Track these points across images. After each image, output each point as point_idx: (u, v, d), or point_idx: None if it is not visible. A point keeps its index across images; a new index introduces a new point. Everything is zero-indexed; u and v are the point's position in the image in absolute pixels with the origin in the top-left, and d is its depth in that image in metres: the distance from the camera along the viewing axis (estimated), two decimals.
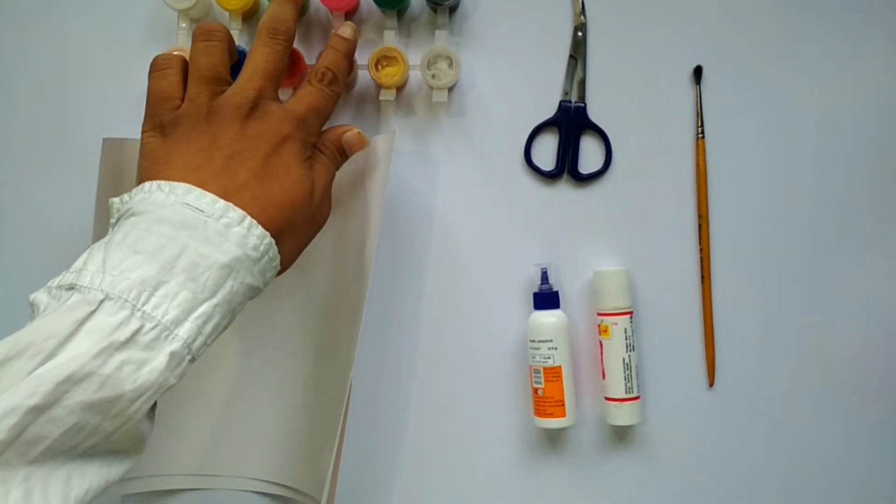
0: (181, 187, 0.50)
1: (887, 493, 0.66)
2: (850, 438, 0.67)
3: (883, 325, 0.66)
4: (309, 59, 0.65)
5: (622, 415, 0.64)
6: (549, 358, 0.63)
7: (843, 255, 0.66)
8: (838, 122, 0.66)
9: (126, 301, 0.44)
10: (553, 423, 0.64)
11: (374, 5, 0.65)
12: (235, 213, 0.49)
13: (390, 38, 0.65)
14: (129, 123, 0.66)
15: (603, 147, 0.67)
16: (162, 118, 0.54)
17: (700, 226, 0.66)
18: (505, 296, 0.67)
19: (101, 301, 0.44)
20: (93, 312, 0.43)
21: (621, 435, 0.67)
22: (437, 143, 0.68)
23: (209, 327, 0.47)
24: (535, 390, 0.65)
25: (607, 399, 0.65)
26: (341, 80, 0.58)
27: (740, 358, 0.67)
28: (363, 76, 0.67)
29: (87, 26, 0.70)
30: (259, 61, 0.55)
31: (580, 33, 0.67)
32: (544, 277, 0.66)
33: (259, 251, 0.50)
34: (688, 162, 0.67)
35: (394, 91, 0.65)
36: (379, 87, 0.65)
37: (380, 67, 0.64)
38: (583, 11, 0.67)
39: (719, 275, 0.66)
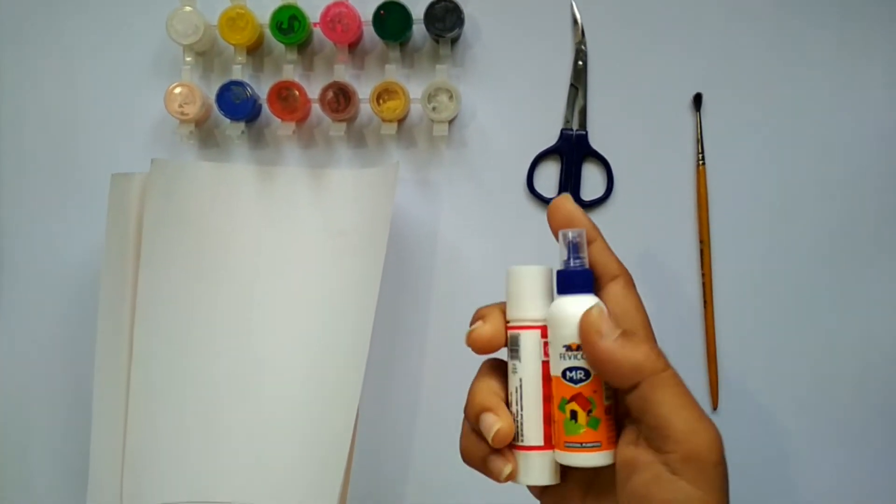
0: None
1: None
2: (854, 461, 0.67)
3: (884, 347, 0.66)
4: (311, 92, 0.66)
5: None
6: (583, 363, 0.42)
7: (845, 279, 0.67)
8: (839, 146, 0.67)
9: None
10: (591, 458, 0.42)
11: (377, 37, 0.66)
12: None
13: (392, 72, 0.66)
14: (137, 158, 0.68)
15: (604, 174, 0.68)
16: None
17: (702, 251, 0.67)
18: None
19: None
20: None
21: None
22: (439, 173, 0.69)
23: None
24: (565, 415, 0.43)
25: None
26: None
27: (743, 381, 0.67)
28: (365, 109, 0.68)
29: (94, 62, 0.71)
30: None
31: (580, 62, 0.68)
32: (574, 249, 0.45)
33: None
34: (689, 188, 0.67)
35: (395, 125, 0.66)
36: (380, 120, 0.66)
37: (381, 102, 0.65)
38: (583, 40, 0.68)
39: (721, 299, 0.67)
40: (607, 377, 0.42)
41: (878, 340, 0.66)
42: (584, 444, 0.42)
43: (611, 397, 0.43)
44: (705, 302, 0.67)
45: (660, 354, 0.41)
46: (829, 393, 0.67)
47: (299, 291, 0.67)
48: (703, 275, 0.67)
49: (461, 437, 0.46)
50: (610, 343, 0.41)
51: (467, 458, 0.45)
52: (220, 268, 0.67)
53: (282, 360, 0.67)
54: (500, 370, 0.46)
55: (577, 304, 0.43)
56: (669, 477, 0.40)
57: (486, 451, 0.44)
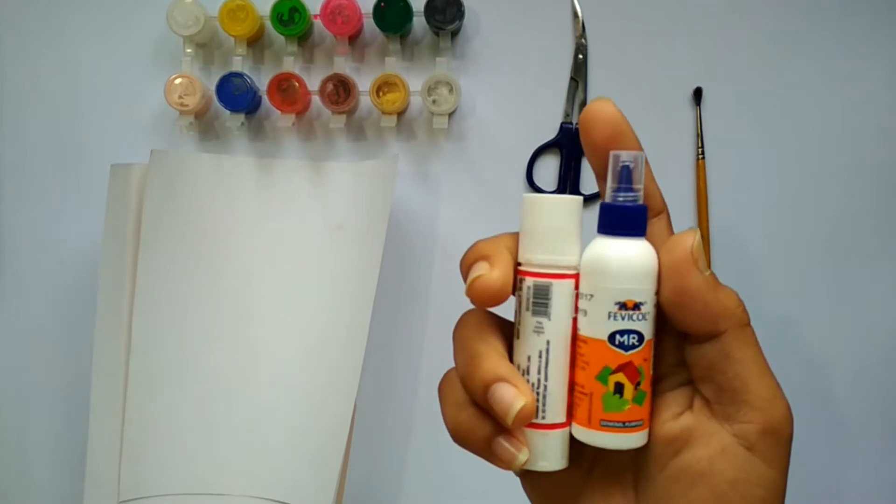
0: None
1: None
2: (851, 456, 0.67)
3: (883, 344, 0.66)
4: (311, 84, 0.66)
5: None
6: (639, 325, 0.34)
7: (845, 274, 0.67)
8: (839, 141, 0.66)
9: None
10: (632, 440, 0.35)
11: (377, 30, 0.66)
12: None
13: (392, 65, 0.66)
14: (137, 149, 0.68)
15: None
16: None
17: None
18: (508, 315, 0.68)
19: None
20: None
21: None
22: (438, 166, 0.69)
23: None
24: (607, 388, 0.34)
25: None
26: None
27: None
28: (364, 102, 0.67)
29: (95, 53, 0.71)
30: None
31: (581, 55, 0.68)
32: (627, 177, 0.35)
33: None
34: (688, 183, 0.67)
35: (395, 117, 0.66)
36: (380, 113, 0.66)
37: (381, 94, 0.65)
38: (583, 34, 0.67)
39: None
40: (688, 319, 0.34)
41: (878, 336, 0.66)
42: (626, 424, 0.34)
43: (654, 365, 0.35)
44: None
45: (745, 306, 0.34)
46: (827, 389, 0.67)
47: (298, 283, 0.67)
48: None
49: (450, 411, 0.36)
50: (706, 277, 0.33)
51: (464, 438, 0.35)
52: (219, 259, 0.67)
53: (280, 351, 0.67)
54: (497, 325, 0.36)
55: (633, 250, 0.34)
56: (741, 451, 0.33)
57: (491, 432, 0.34)
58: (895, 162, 0.66)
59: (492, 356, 0.34)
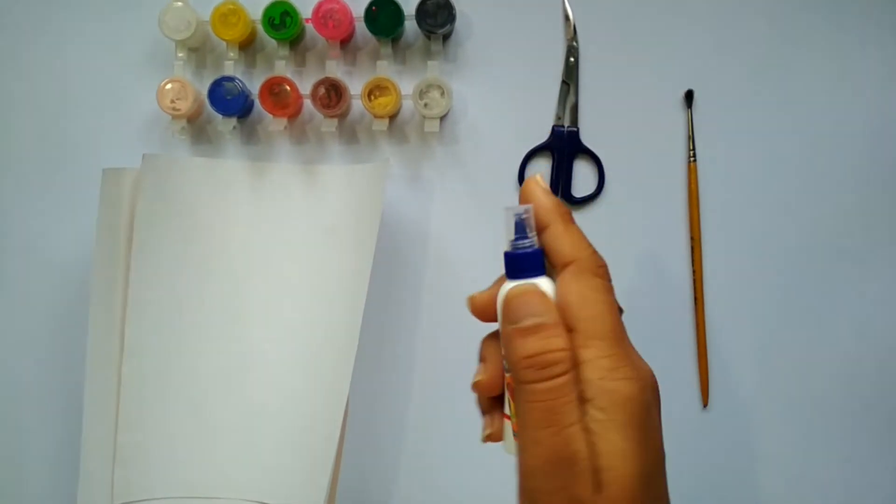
0: None
1: None
2: (843, 457, 0.67)
3: (874, 344, 0.67)
4: (303, 88, 0.67)
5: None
6: None
7: (835, 276, 0.67)
8: (830, 143, 0.67)
9: None
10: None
11: (369, 34, 0.66)
12: None
13: (383, 68, 0.66)
14: (129, 153, 0.68)
15: (596, 171, 0.68)
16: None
17: (693, 248, 0.67)
18: None
19: None
20: None
21: None
22: (430, 169, 0.69)
23: None
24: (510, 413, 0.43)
25: None
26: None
27: (734, 378, 0.67)
28: (356, 105, 0.68)
29: (87, 57, 0.71)
30: None
31: (572, 59, 0.68)
32: (519, 228, 0.41)
33: None
34: (680, 185, 0.67)
35: (386, 121, 0.66)
36: (372, 116, 0.66)
37: (372, 97, 0.65)
38: (574, 37, 0.68)
39: (712, 296, 0.67)
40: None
41: (869, 337, 0.67)
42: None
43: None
44: (696, 299, 0.67)
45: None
46: (819, 387, 0.67)
47: (289, 286, 0.67)
48: (693, 272, 0.67)
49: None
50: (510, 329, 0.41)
51: (478, 398, 0.46)
52: (212, 263, 0.67)
53: (272, 354, 0.67)
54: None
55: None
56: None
57: (486, 405, 0.46)
58: (886, 164, 0.66)
59: (483, 343, 0.47)
